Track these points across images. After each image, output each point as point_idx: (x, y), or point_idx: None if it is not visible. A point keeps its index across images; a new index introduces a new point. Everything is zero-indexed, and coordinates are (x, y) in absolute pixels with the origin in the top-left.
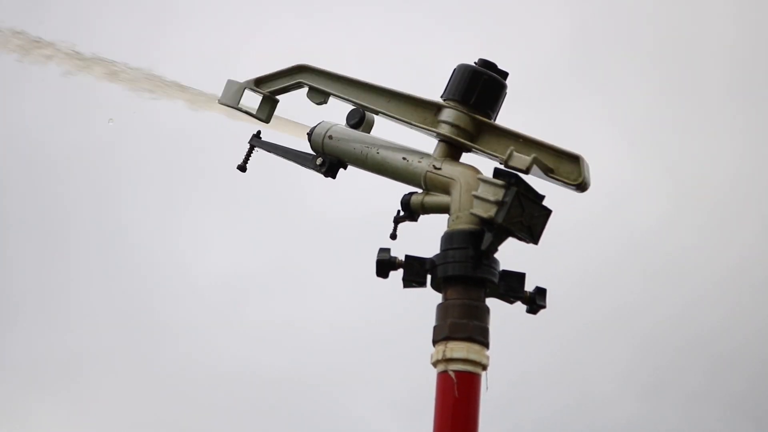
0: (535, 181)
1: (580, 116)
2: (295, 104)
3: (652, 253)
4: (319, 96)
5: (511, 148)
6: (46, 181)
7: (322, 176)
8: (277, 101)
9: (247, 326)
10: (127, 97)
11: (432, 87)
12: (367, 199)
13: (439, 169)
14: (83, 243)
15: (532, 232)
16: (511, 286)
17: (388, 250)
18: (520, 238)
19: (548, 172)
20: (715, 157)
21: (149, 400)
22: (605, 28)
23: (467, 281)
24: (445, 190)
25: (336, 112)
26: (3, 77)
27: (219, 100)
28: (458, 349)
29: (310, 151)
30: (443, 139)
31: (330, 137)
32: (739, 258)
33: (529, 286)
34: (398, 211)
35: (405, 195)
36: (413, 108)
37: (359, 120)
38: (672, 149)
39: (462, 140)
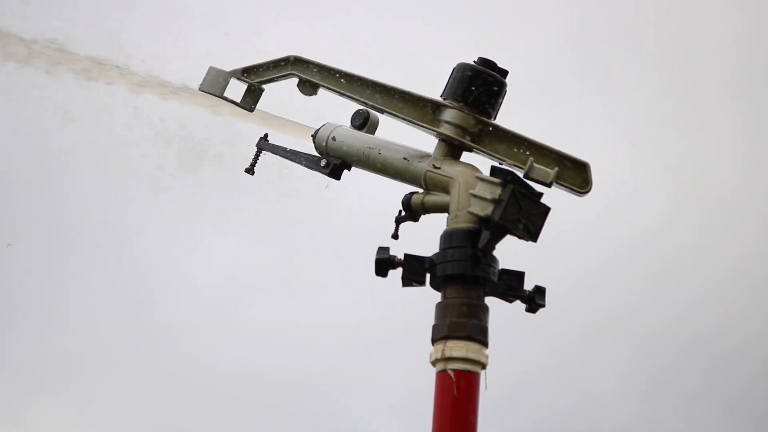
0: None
1: (580, 116)
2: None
3: (652, 253)
4: (309, 88)
5: (531, 159)
6: (47, 181)
7: (326, 177)
8: (262, 90)
9: (247, 326)
10: (128, 97)
11: (432, 87)
12: (368, 199)
13: (439, 168)
14: (83, 243)
15: (530, 230)
16: (511, 285)
17: (387, 249)
18: (518, 236)
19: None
20: (715, 157)
21: (149, 400)
22: (605, 28)
23: (466, 280)
24: (445, 189)
25: (336, 112)
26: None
27: (200, 87)
28: (457, 348)
29: (316, 153)
30: (443, 138)
31: (333, 139)
32: (739, 258)
33: (528, 286)
34: (399, 211)
35: (406, 195)
36: (411, 105)
37: (364, 121)
38: (672, 149)
39: (462, 140)
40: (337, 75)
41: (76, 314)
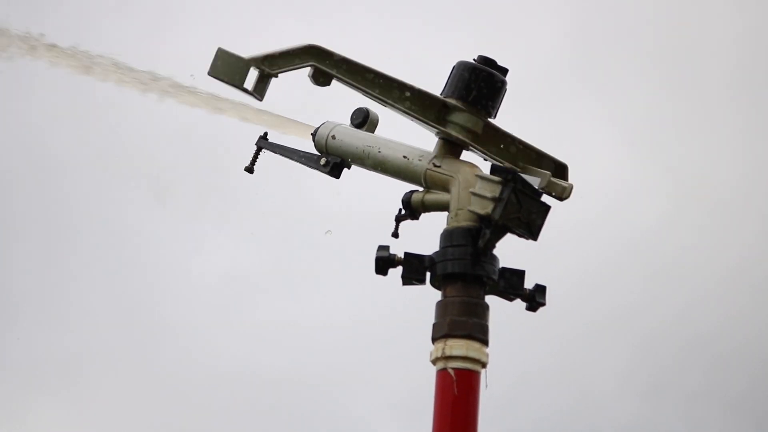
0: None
1: (580, 116)
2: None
3: (652, 253)
4: (324, 79)
5: (548, 173)
6: (47, 181)
7: (325, 175)
8: (271, 77)
9: (247, 326)
10: (131, 97)
11: (432, 87)
12: (368, 197)
13: (439, 167)
14: (83, 243)
15: (530, 228)
16: (511, 283)
17: (387, 247)
18: (519, 235)
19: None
20: (715, 157)
21: (149, 400)
22: (605, 28)
23: (466, 278)
24: (445, 187)
25: (337, 112)
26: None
27: (209, 72)
28: (457, 346)
29: (315, 152)
30: (443, 137)
31: (333, 137)
32: (739, 258)
33: (528, 286)
34: (399, 210)
35: (406, 193)
36: (422, 103)
37: (363, 119)
38: (672, 149)
39: (464, 139)
40: (359, 69)
41: (76, 314)
